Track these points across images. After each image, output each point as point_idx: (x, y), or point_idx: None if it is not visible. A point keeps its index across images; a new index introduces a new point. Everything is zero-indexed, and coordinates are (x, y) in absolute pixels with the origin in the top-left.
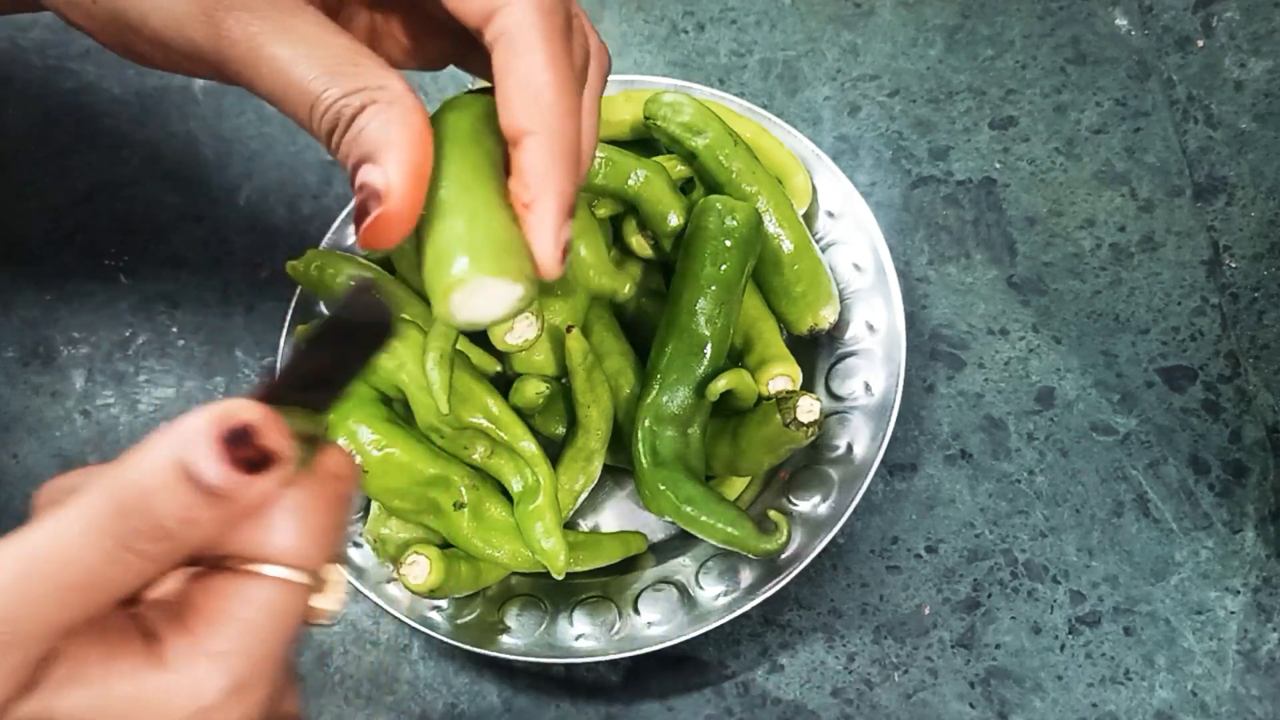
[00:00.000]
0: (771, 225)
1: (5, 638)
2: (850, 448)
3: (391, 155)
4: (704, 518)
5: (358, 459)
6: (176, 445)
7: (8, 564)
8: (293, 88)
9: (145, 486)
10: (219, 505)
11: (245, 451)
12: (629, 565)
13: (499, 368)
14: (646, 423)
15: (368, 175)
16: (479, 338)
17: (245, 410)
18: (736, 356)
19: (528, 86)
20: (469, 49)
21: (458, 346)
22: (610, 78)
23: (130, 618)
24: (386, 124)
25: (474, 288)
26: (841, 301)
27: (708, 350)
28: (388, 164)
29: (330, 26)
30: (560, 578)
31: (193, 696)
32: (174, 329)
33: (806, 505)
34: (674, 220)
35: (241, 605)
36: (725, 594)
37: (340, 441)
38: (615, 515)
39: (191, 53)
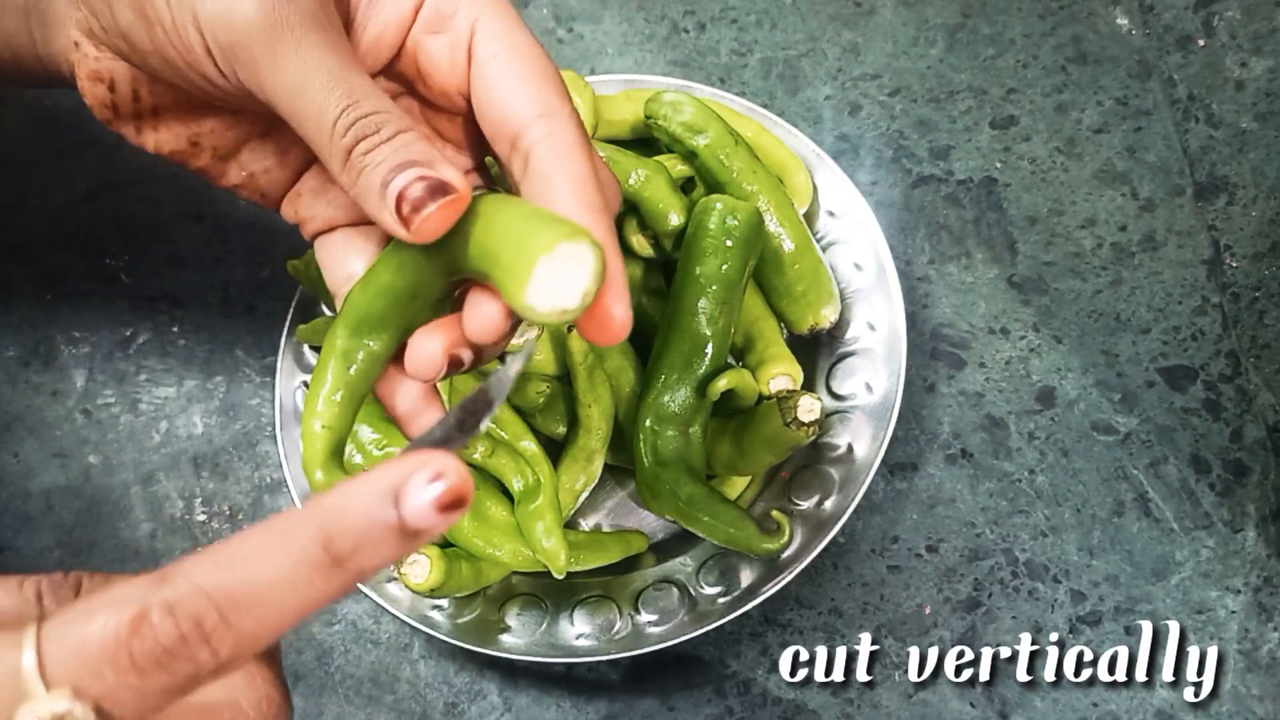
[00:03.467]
0: (772, 224)
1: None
2: (851, 447)
3: (446, 164)
4: (705, 517)
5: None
6: (389, 480)
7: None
8: (326, 91)
9: (352, 513)
10: (408, 544)
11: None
12: (630, 565)
13: (499, 366)
14: (647, 422)
15: (424, 172)
16: None
17: (447, 463)
18: (737, 356)
19: (577, 180)
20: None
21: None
22: (611, 77)
23: None
24: (430, 147)
25: (561, 255)
26: (842, 301)
27: (709, 350)
28: (444, 169)
29: (364, 72)
30: (561, 577)
31: None
32: (175, 328)
33: (807, 504)
34: (675, 220)
35: None
36: (726, 593)
37: None
38: (616, 515)
39: (221, 33)
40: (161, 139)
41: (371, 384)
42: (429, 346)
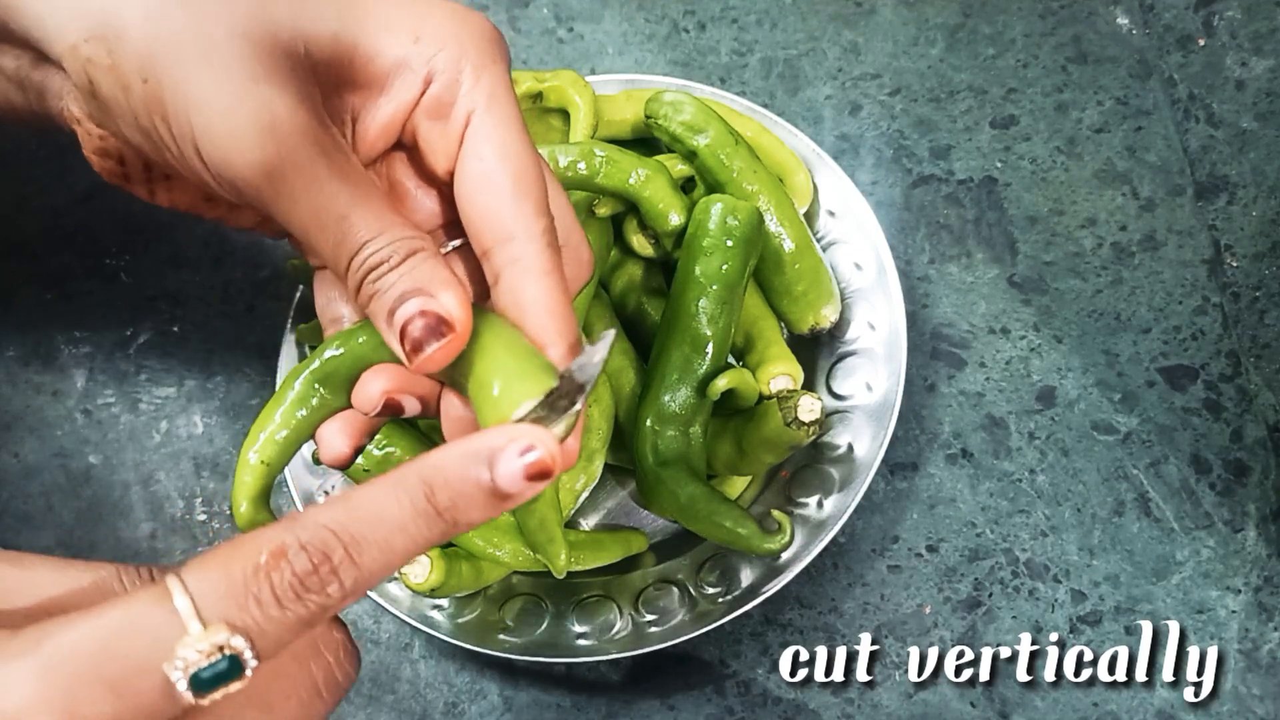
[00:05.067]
0: (773, 224)
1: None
2: (851, 447)
3: (447, 290)
4: (706, 517)
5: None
6: (486, 445)
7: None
8: (338, 228)
9: (449, 470)
10: (498, 504)
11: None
12: (630, 564)
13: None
14: (648, 422)
15: (426, 304)
16: None
17: (539, 436)
18: (738, 355)
19: (542, 307)
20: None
21: None
22: (611, 76)
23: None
24: (437, 267)
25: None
26: (842, 300)
27: (709, 349)
28: (445, 297)
29: (372, 186)
30: (561, 577)
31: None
32: (175, 328)
33: (807, 504)
34: (675, 219)
35: (116, 615)
36: (726, 593)
37: None
38: (616, 515)
39: (225, 173)
40: (175, 198)
41: (310, 433)
42: (372, 387)
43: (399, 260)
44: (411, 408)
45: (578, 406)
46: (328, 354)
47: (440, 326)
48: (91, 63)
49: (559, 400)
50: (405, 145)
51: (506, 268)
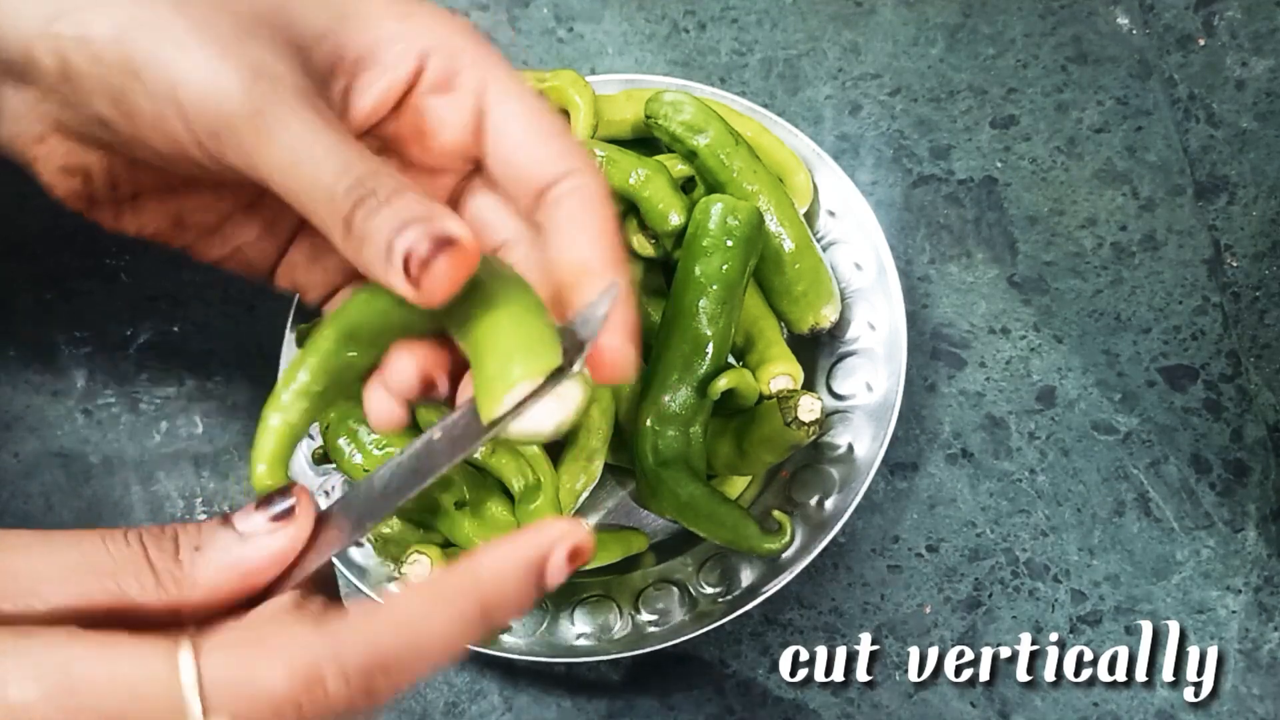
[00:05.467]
0: (773, 224)
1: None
2: (851, 447)
3: (451, 218)
4: (707, 517)
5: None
6: (536, 553)
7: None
8: (324, 159)
9: (508, 588)
10: (539, 596)
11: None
12: (630, 564)
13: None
14: (648, 422)
15: (429, 228)
16: None
17: (578, 533)
18: (738, 355)
19: (605, 232)
20: None
21: None
22: (611, 76)
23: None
24: (432, 202)
25: (546, 387)
26: (842, 300)
27: (709, 349)
28: (447, 221)
29: (355, 140)
30: None
31: None
32: (175, 328)
33: (807, 504)
34: (675, 219)
35: (125, 661)
36: (726, 593)
37: (341, 441)
38: (616, 515)
39: (205, 115)
40: (143, 222)
41: (337, 395)
42: (405, 367)
43: (388, 194)
44: (443, 386)
45: (577, 367)
46: (353, 306)
47: (450, 240)
48: (61, 37)
49: (560, 370)
50: (399, 139)
51: (565, 200)
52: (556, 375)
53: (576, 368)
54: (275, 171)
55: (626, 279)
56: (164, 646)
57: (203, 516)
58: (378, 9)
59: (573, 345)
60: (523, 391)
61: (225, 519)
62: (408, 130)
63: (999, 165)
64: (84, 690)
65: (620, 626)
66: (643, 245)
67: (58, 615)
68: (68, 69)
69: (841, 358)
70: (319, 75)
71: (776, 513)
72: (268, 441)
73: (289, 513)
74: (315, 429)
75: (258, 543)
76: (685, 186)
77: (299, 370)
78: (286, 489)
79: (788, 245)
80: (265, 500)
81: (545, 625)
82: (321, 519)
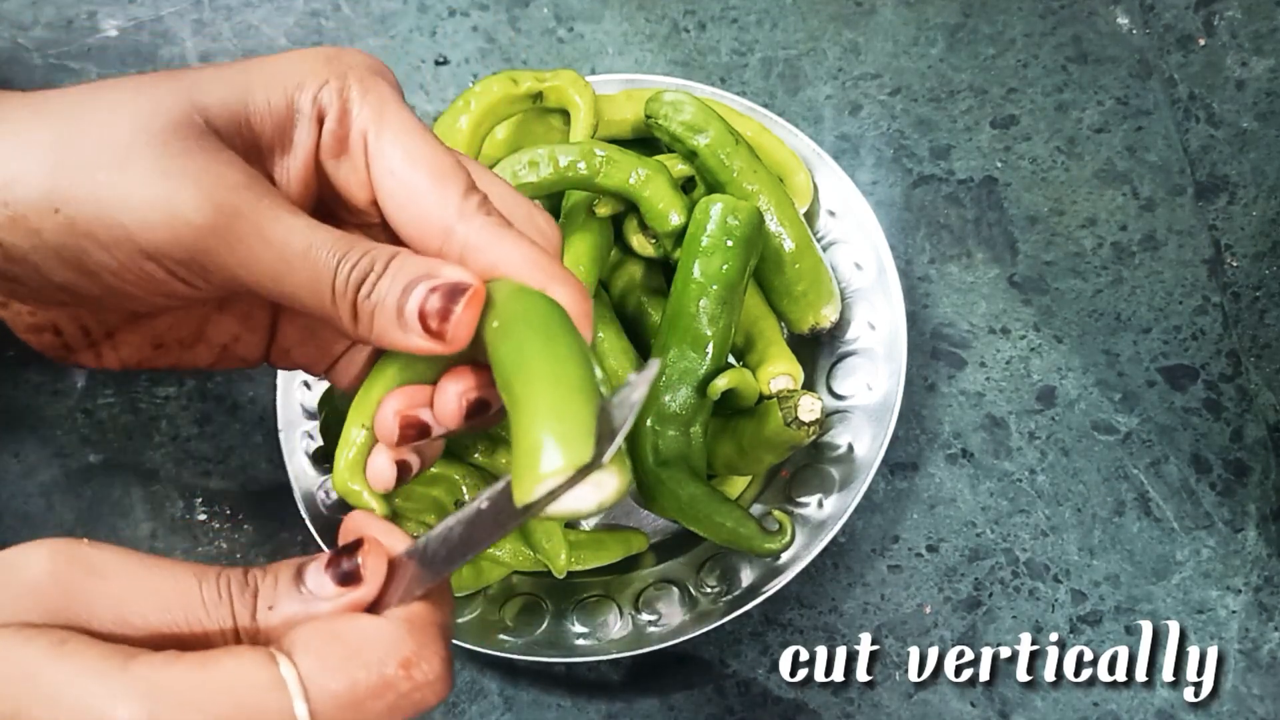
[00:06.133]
0: (773, 224)
1: None
2: (851, 447)
3: (446, 265)
4: (707, 517)
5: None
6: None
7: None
8: (307, 258)
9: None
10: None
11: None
12: (630, 564)
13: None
14: (648, 422)
15: (436, 280)
16: None
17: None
18: (738, 355)
19: (522, 256)
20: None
21: None
22: (611, 76)
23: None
24: (423, 259)
25: (570, 482)
26: (843, 300)
27: (709, 349)
28: (448, 269)
29: (322, 224)
30: (561, 577)
31: (108, 708)
32: None
33: (808, 504)
34: (675, 219)
35: (227, 668)
36: (726, 593)
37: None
38: (616, 515)
39: (178, 250)
40: (124, 356)
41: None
42: (451, 390)
43: (383, 265)
44: (444, 420)
45: (607, 457)
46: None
47: (457, 287)
48: None
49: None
50: (329, 204)
51: (464, 256)
52: (589, 467)
53: (608, 457)
54: (264, 280)
55: (574, 286)
56: (259, 654)
57: (202, 517)
58: (273, 68)
59: (606, 431)
60: (552, 484)
61: (299, 573)
62: (330, 197)
63: (999, 165)
64: (190, 704)
65: (620, 626)
66: (643, 245)
67: (151, 639)
68: (8, 251)
69: (841, 358)
70: (239, 150)
71: (776, 512)
72: (348, 451)
73: (356, 576)
74: (315, 429)
75: (323, 605)
76: (685, 186)
77: (381, 378)
78: (356, 547)
79: (788, 245)
80: (335, 558)
81: (545, 625)
82: (393, 565)
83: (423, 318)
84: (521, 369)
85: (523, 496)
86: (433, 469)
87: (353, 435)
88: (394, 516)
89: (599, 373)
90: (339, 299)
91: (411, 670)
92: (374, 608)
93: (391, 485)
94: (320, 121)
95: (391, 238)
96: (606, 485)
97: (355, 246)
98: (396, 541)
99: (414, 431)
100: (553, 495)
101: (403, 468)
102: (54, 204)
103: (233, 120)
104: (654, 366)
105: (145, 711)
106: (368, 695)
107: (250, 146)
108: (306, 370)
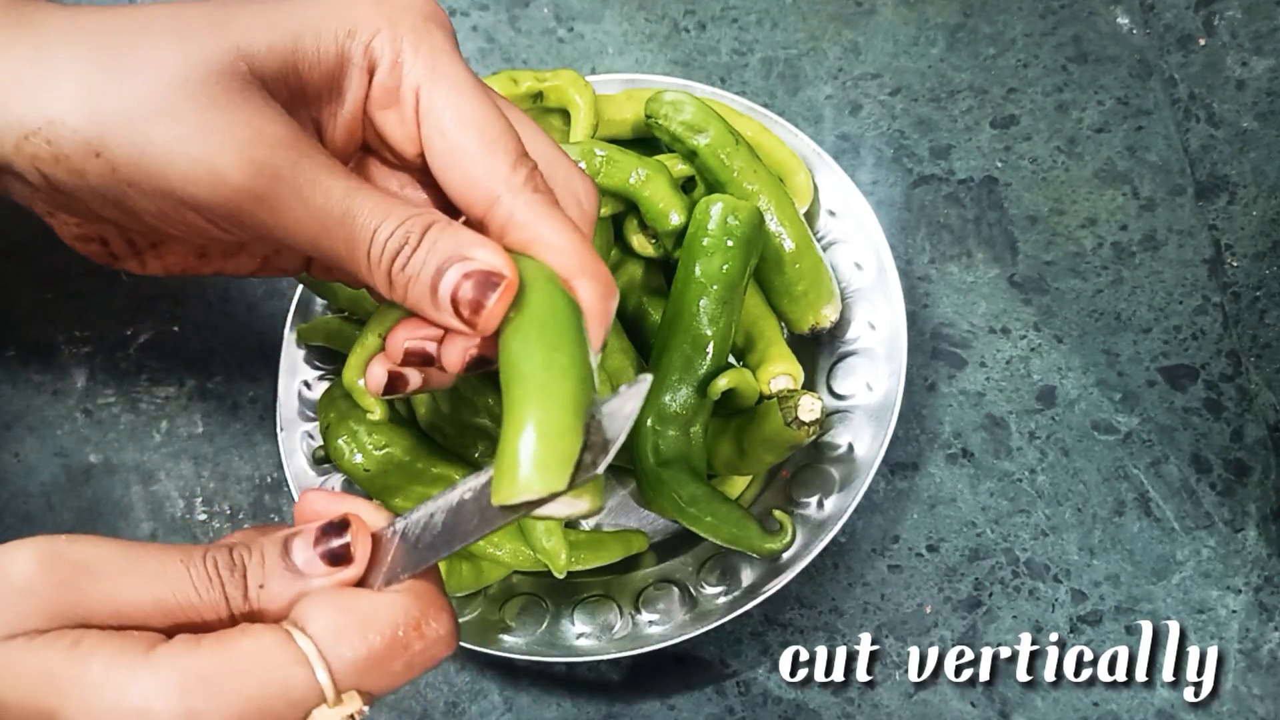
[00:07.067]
0: (773, 224)
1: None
2: (851, 447)
3: (479, 247)
4: (708, 517)
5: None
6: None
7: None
8: (344, 224)
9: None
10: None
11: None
12: (630, 564)
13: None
14: (649, 422)
15: (467, 267)
16: None
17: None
18: (738, 355)
19: (561, 238)
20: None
21: None
22: (611, 76)
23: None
24: (459, 231)
25: (541, 501)
26: (843, 300)
27: (709, 349)
28: (480, 253)
29: (363, 181)
30: (561, 577)
31: (143, 700)
32: (175, 328)
33: (808, 504)
34: (675, 219)
35: (247, 647)
36: (726, 593)
37: (341, 441)
38: (616, 515)
39: (217, 206)
40: (168, 263)
41: None
42: (459, 341)
43: (418, 238)
44: (432, 351)
45: (600, 469)
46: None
47: (490, 278)
48: (38, 158)
49: (582, 459)
50: (374, 147)
51: (505, 229)
52: (564, 491)
53: (600, 469)
54: (301, 240)
55: (603, 281)
56: (275, 632)
57: (202, 516)
58: (324, 11)
59: (596, 442)
60: (525, 499)
61: (285, 550)
62: (375, 141)
63: (999, 165)
64: (220, 687)
65: (620, 626)
66: (643, 245)
67: (148, 628)
68: (54, 183)
69: (842, 357)
70: (285, 98)
71: (777, 512)
72: (358, 353)
73: (347, 556)
74: (315, 429)
75: (315, 582)
76: (685, 186)
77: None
78: (343, 526)
79: (788, 245)
80: (322, 535)
81: (545, 625)
82: (376, 542)
83: (455, 303)
84: (522, 376)
85: (498, 499)
86: (433, 469)
87: (367, 339)
88: (384, 423)
89: (598, 380)
90: (374, 267)
91: (423, 629)
92: (360, 584)
93: (381, 391)
94: (371, 72)
95: (435, 187)
96: (579, 505)
97: (392, 214)
98: (370, 515)
99: (416, 359)
100: (528, 506)
101: (398, 379)
102: (95, 149)
103: (280, 67)
104: (645, 381)
105: (179, 700)
106: (385, 658)
107: (297, 93)
108: (346, 284)
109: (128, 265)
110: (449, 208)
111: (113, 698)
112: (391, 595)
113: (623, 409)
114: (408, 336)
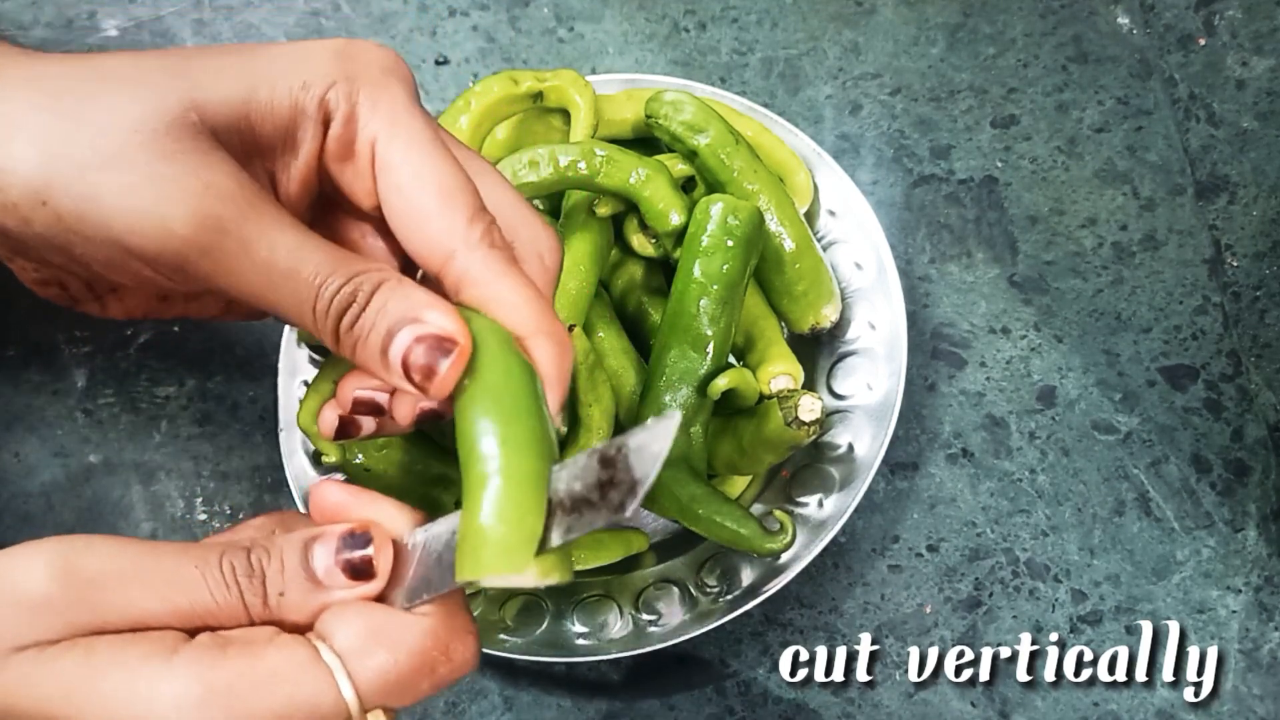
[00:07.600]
0: (773, 224)
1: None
2: (851, 446)
3: (431, 309)
4: (708, 517)
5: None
6: None
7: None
8: (290, 279)
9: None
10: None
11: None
12: (630, 564)
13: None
14: (649, 422)
15: (422, 329)
16: None
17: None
18: (738, 355)
19: (519, 298)
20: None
21: None
22: (611, 76)
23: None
24: (410, 290)
25: (504, 578)
26: (843, 300)
27: (710, 349)
28: (432, 315)
29: (314, 234)
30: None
31: (165, 713)
32: (176, 327)
33: (808, 504)
34: (675, 219)
35: (274, 659)
36: (726, 593)
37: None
38: None
39: (163, 258)
40: (129, 307)
41: None
42: (409, 397)
43: (367, 295)
44: (383, 401)
45: (628, 511)
46: None
47: (443, 343)
48: None
49: (610, 493)
50: (333, 199)
51: (460, 285)
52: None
53: (630, 510)
54: (247, 293)
55: (558, 341)
56: (301, 645)
57: (202, 516)
58: (279, 63)
59: (626, 486)
60: (493, 580)
61: (305, 556)
62: (333, 193)
63: (999, 165)
64: (245, 699)
65: (620, 626)
66: (643, 245)
67: (167, 627)
68: (4, 230)
69: (842, 357)
70: (238, 149)
71: (777, 512)
72: (311, 396)
73: (369, 571)
74: None
75: (336, 594)
76: (685, 186)
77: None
78: (365, 537)
79: (788, 245)
80: (343, 544)
81: (545, 625)
82: (398, 553)
83: (406, 368)
84: (479, 455)
85: (461, 577)
86: (432, 468)
87: (321, 384)
88: (344, 466)
89: (556, 437)
90: (320, 322)
91: (450, 652)
92: (380, 597)
93: (332, 436)
94: (326, 124)
95: (392, 238)
96: (548, 579)
97: (340, 269)
98: (390, 515)
99: (365, 409)
100: (495, 581)
101: (350, 425)
102: (41, 198)
103: (233, 118)
104: (674, 419)
105: (204, 713)
106: (412, 680)
107: (250, 144)
108: (295, 324)
109: (88, 309)
110: (410, 259)
111: (134, 710)
112: (420, 618)
113: (650, 446)
114: (357, 386)
